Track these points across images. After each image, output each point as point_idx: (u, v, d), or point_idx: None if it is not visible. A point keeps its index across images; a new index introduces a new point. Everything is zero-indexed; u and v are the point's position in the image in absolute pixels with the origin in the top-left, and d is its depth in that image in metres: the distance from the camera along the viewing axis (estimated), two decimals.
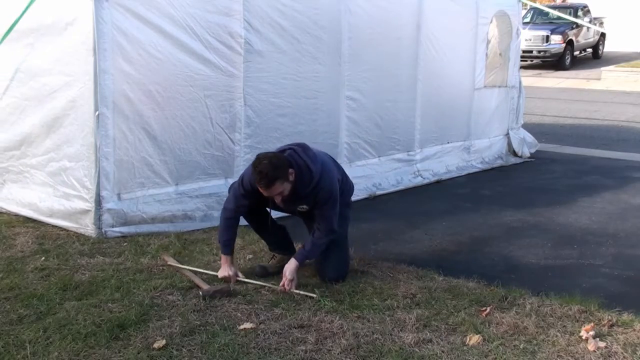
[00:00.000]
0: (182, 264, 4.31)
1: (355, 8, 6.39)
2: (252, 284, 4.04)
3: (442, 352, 3.25)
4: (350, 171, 5.34)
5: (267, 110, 5.77)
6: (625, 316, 3.68)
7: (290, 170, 3.80)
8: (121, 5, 4.74)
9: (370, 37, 6.61)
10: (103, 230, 4.83)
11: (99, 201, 4.80)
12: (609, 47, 24.00)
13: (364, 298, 3.88)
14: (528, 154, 9.08)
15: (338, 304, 3.77)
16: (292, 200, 3.93)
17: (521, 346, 3.31)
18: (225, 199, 4.20)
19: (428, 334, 3.43)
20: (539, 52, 20.63)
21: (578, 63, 22.08)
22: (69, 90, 4.86)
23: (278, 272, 4.08)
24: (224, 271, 4.04)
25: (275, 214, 4.28)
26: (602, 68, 20.10)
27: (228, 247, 4.08)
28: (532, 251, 5.07)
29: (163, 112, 5.10)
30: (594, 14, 22.69)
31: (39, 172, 5.18)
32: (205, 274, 4.17)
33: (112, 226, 4.88)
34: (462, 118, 8.14)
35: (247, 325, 3.48)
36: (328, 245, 4.05)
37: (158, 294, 3.85)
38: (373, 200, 6.54)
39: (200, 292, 3.83)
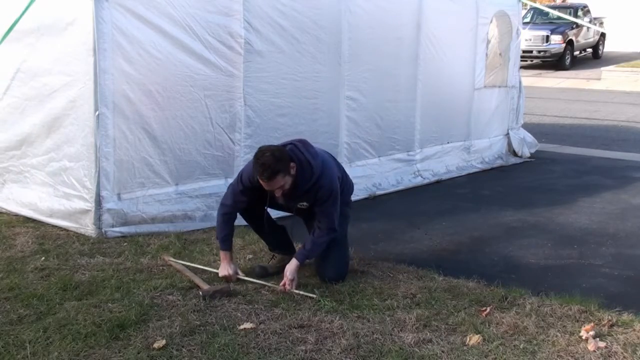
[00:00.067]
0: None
1: (355, 8, 6.39)
2: (252, 282, 4.05)
3: (442, 352, 3.25)
4: (350, 171, 5.34)
5: (267, 110, 5.77)
6: (625, 316, 3.68)
7: (292, 164, 3.80)
8: (121, 5, 4.74)
9: (370, 37, 6.61)
10: (103, 230, 4.83)
11: (99, 201, 4.81)
12: (609, 47, 24.01)
13: (364, 298, 3.88)
14: (528, 154, 9.08)
15: (338, 304, 3.77)
16: (292, 196, 3.93)
17: (521, 346, 3.31)
18: None
19: (428, 334, 3.43)
20: (539, 52, 20.64)
21: (578, 63, 22.08)
22: (69, 90, 4.86)
23: (278, 272, 4.08)
24: (224, 269, 4.04)
25: (275, 214, 4.28)
26: (602, 68, 20.11)
27: (227, 243, 4.08)
28: (532, 251, 5.07)
29: (163, 112, 5.10)
30: (594, 14, 22.69)
31: (39, 172, 5.19)
32: (206, 272, 4.17)
33: (112, 226, 4.88)
34: (462, 118, 8.14)
35: (247, 325, 3.48)
36: (328, 245, 4.05)
37: (158, 294, 3.85)
38: (373, 200, 6.54)
39: (200, 292, 3.82)
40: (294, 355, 3.19)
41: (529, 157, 9.04)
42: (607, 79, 18.87)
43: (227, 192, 4.12)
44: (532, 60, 21.01)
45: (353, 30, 6.40)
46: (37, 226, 5.04)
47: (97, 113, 4.71)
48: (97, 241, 4.74)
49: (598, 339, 3.37)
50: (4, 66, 5.23)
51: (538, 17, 21.63)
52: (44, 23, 4.93)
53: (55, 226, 5.02)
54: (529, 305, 3.79)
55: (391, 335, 3.41)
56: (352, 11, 6.36)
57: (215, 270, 4.13)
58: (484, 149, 8.54)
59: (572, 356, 3.24)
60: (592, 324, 3.52)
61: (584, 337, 3.39)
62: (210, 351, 3.19)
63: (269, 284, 4.01)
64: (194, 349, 3.21)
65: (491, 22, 8.42)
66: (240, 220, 4.21)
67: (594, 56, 23.49)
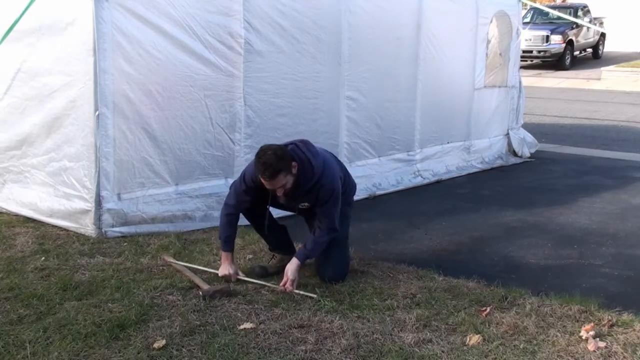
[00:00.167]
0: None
1: (355, 8, 6.39)
2: (252, 282, 4.05)
3: (442, 352, 3.25)
4: (350, 171, 5.29)
5: (267, 110, 5.77)
6: (625, 316, 3.68)
7: (294, 162, 3.80)
8: (121, 5, 4.74)
9: (370, 37, 6.61)
10: (103, 230, 4.83)
11: (99, 201, 4.81)
12: (609, 47, 24.01)
13: (364, 298, 3.88)
14: (528, 154, 9.08)
15: (338, 304, 3.77)
16: (293, 196, 3.93)
17: (521, 346, 3.31)
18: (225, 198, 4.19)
19: (428, 334, 3.43)
20: (539, 52, 20.64)
21: (578, 63, 22.08)
22: (69, 90, 4.86)
23: (278, 272, 4.08)
24: (225, 269, 4.05)
25: (276, 214, 4.28)
26: (602, 68, 20.11)
27: (228, 244, 4.08)
28: (532, 251, 5.07)
29: (163, 112, 5.10)
30: (594, 14, 22.69)
31: (39, 172, 5.19)
32: (206, 272, 4.17)
33: (112, 226, 4.88)
34: (462, 118, 8.14)
35: (247, 325, 3.48)
36: (328, 245, 4.05)
37: (158, 294, 3.85)
38: (373, 200, 6.54)
39: (200, 292, 3.82)
40: (294, 355, 3.19)
41: (529, 157, 9.04)
42: (607, 79, 18.87)
43: (230, 192, 4.12)
44: (532, 60, 21.01)
45: (353, 30, 6.40)
46: (37, 226, 5.04)
47: (97, 113, 4.71)
48: (97, 241, 4.74)
49: (598, 339, 3.37)
50: (4, 66, 5.24)
51: (538, 17, 21.64)
52: (44, 23, 4.93)
53: (55, 226, 5.02)
54: (529, 305, 3.79)
55: (391, 335, 3.41)
56: (352, 11, 6.37)
57: (215, 271, 4.13)
58: (484, 149, 8.54)
59: (572, 356, 3.24)
60: (592, 324, 3.52)
61: (584, 337, 3.39)
62: (210, 351, 3.19)
63: (269, 284, 4.01)
64: (194, 349, 3.21)
65: (491, 22, 8.42)
66: (241, 221, 4.20)
67: (594, 56, 23.49)
